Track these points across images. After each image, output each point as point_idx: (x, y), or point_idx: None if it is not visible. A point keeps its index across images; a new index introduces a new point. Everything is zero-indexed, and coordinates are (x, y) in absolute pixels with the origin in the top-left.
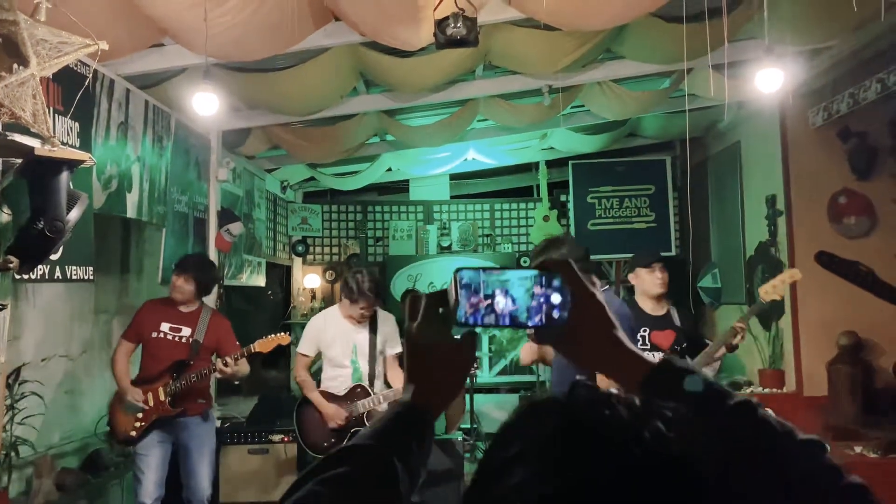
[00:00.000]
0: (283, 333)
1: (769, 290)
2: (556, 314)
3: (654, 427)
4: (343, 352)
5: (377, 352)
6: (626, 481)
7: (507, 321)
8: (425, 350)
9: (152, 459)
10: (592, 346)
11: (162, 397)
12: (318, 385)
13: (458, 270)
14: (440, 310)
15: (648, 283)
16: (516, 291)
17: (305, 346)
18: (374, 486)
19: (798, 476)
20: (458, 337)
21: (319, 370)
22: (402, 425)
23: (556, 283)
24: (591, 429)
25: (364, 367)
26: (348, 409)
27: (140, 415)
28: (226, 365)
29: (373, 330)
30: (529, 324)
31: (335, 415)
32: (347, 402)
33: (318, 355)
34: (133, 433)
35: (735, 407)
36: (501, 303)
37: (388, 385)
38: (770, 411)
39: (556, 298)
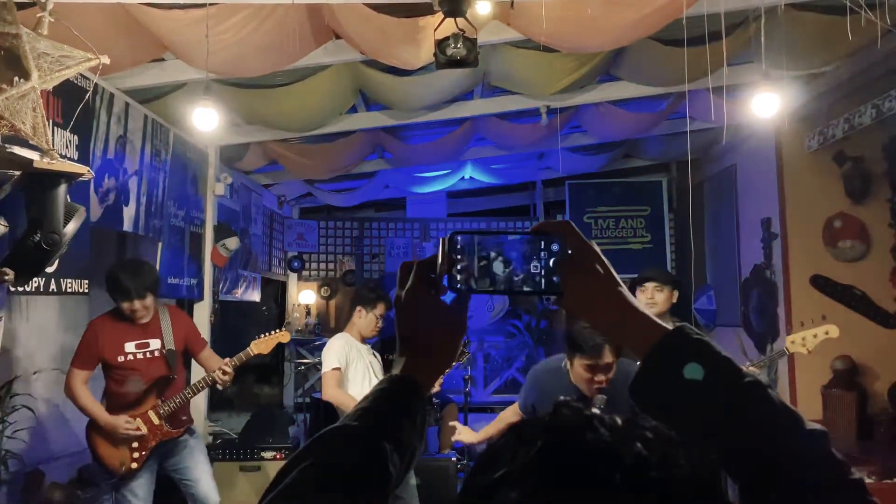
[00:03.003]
0: (281, 330)
1: (798, 343)
2: (555, 278)
3: (635, 451)
4: (365, 373)
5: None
6: None
7: (502, 286)
8: (414, 317)
9: (140, 490)
10: (598, 309)
11: (156, 420)
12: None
13: (451, 234)
14: (431, 276)
15: (641, 302)
16: (513, 255)
17: (336, 361)
18: (360, 470)
19: (802, 464)
20: (449, 302)
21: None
22: (390, 400)
23: (554, 246)
24: (572, 452)
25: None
26: None
27: (136, 444)
28: (224, 374)
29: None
30: (526, 289)
31: None
32: None
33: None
34: (135, 465)
35: (747, 385)
36: (498, 267)
37: None
38: (779, 395)
39: (554, 262)
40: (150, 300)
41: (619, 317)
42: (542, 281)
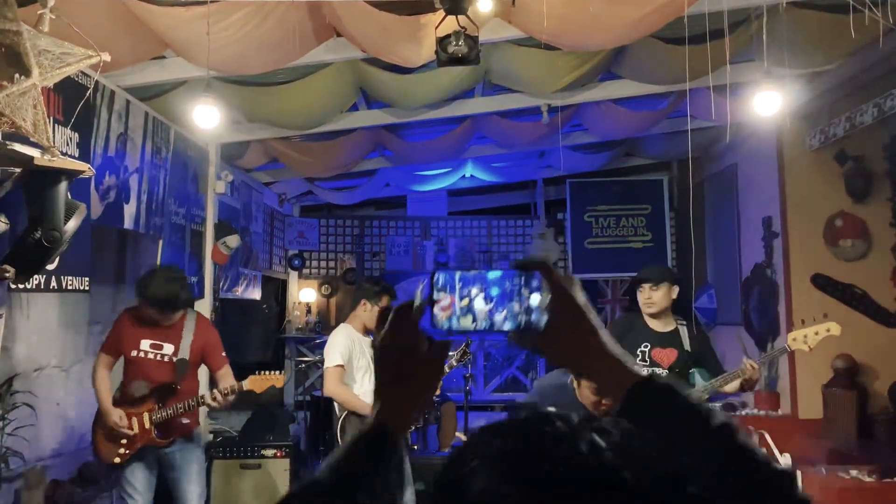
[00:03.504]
0: (277, 373)
1: (799, 340)
2: (534, 316)
3: (590, 439)
4: (368, 365)
5: None
6: (567, 487)
7: (483, 323)
8: (391, 360)
9: (139, 484)
10: (573, 350)
11: (147, 425)
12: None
13: (432, 273)
14: (410, 318)
15: (640, 302)
16: (493, 292)
17: (339, 357)
18: None
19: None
20: (427, 346)
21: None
22: (364, 450)
23: (534, 283)
24: (534, 442)
25: None
26: None
27: (124, 441)
28: (214, 400)
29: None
30: (506, 327)
31: None
32: None
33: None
34: (117, 460)
35: (717, 429)
36: (478, 305)
37: None
38: (751, 434)
39: (534, 300)
40: (180, 314)
41: (594, 362)
42: (523, 319)
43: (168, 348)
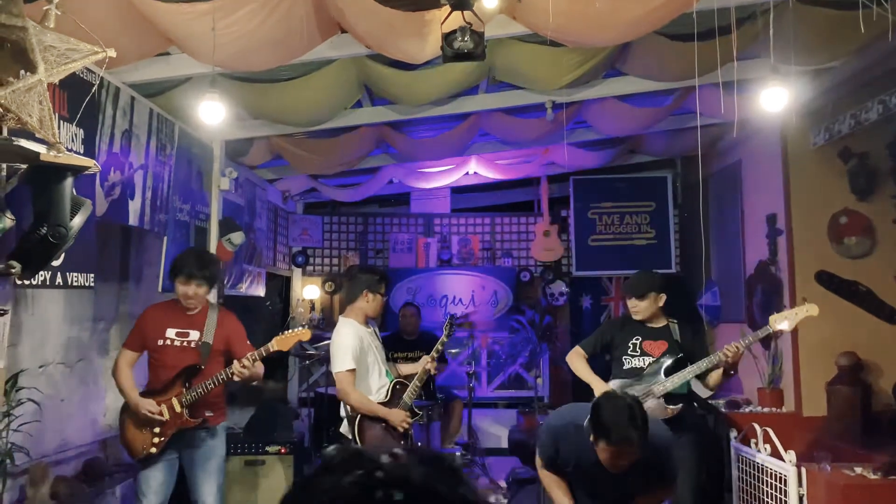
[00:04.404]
0: (302, 328)
1: (779, 320)
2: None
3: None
4: (375, 357)
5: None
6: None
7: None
8: None
9: (154, 481)
10: None
11: (178, 408)
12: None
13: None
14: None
15: (629, 308)
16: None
17: (349, 361)
18: None
19: None
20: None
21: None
22: None
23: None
24: (365, 475)
25: (386, 364)
26: (401, 407)
27: (157, 429)
28: (243, 367)
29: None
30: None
31: (402, 418)
32: (395, 402)
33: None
34: (154, 450)
35: None
36: None
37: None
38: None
39: None
40: (202, 289)
41: None
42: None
43: (194, 335)
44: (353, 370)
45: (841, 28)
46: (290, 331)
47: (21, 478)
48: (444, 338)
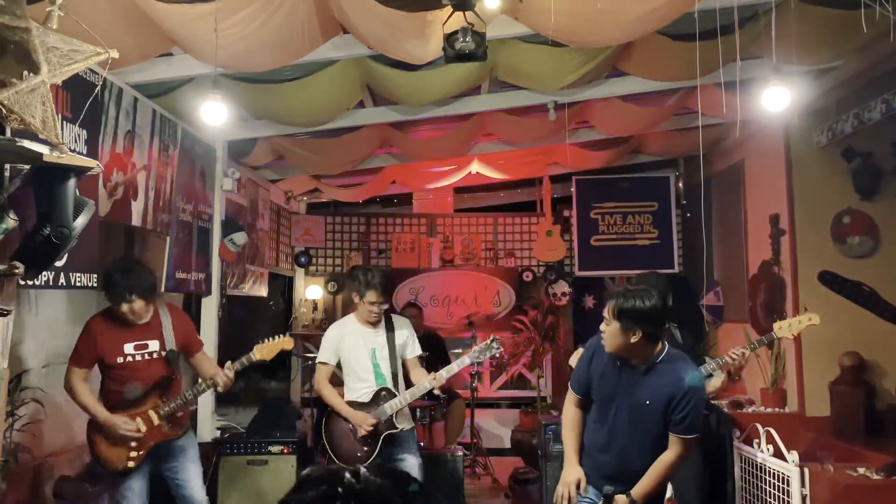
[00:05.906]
0: (284, 336)
1: (784, 328)
2: None
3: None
4: (364, 355)
5: (397, 353)
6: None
7: None
8: None
9: (136, 487)
10: None
11: (156, 421)
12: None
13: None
14: None
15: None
16: None
17: (325, 355)
18: None
19: None
20: None
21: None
22: None
23: None
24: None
25: (386, 370)
26: (376, 413)
27: (134, 444)
28: (228, 379)
29: (390, 331)
30: None
31: (363, 421)
32: (374, 407)
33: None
34: (132, 464)
35: None
36: None
37: (411, 385)
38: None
39: None
40: (142, 303)
41: None
42: None
43: (154, 344)
44: (325, 363)
45: (843, 27)
46: (270, 339)
47: (25, 477)
48: (477, 360)
